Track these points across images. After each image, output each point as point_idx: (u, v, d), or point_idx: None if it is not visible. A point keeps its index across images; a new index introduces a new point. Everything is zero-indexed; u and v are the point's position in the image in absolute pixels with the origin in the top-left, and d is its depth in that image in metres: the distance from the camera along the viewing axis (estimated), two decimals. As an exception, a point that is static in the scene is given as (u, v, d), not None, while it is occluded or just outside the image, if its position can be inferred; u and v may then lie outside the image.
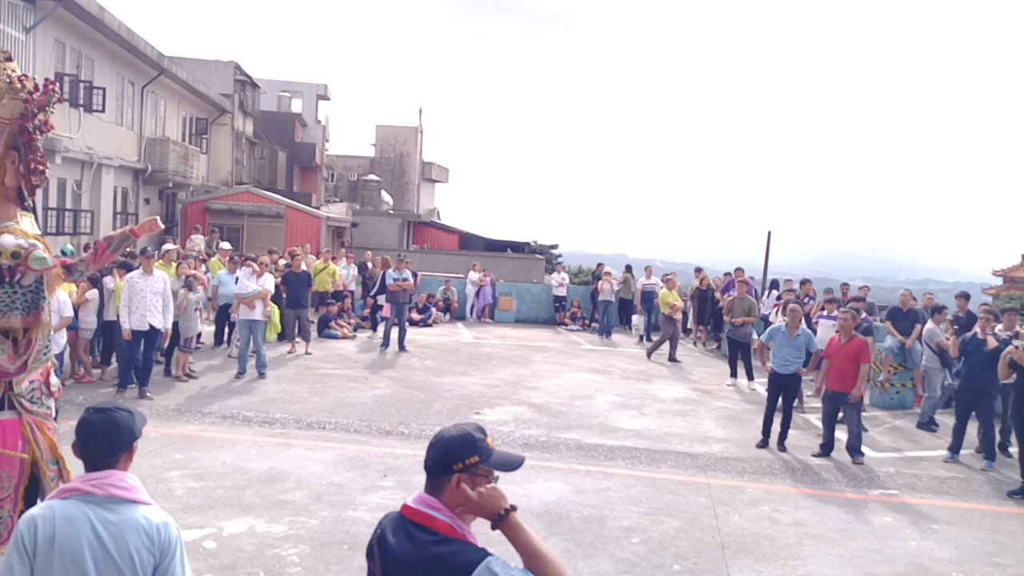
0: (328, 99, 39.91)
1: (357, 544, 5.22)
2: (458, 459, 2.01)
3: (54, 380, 4.41)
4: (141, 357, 9.25)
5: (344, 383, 10.78)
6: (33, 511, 2.32)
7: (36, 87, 4.30)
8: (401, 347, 13.79)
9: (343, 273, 16.97)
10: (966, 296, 11.78)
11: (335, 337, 14.84)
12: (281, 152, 33.62)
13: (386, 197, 38.65)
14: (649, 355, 14.86)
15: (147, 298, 9.03)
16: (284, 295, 12.65)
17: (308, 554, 5.12)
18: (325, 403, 9.48)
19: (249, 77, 30.01)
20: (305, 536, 5.40)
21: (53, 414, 4.45)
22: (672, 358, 14.52)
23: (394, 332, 13.91)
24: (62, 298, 8.35)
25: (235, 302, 11.48)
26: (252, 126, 31.07)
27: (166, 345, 10.67)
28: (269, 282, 11.31)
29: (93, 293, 9.69)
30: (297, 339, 13.03)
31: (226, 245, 15.30)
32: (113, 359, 10.44)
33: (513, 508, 2.00)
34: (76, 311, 9.14)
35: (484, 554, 1.90)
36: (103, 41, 18.03)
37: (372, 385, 10.76)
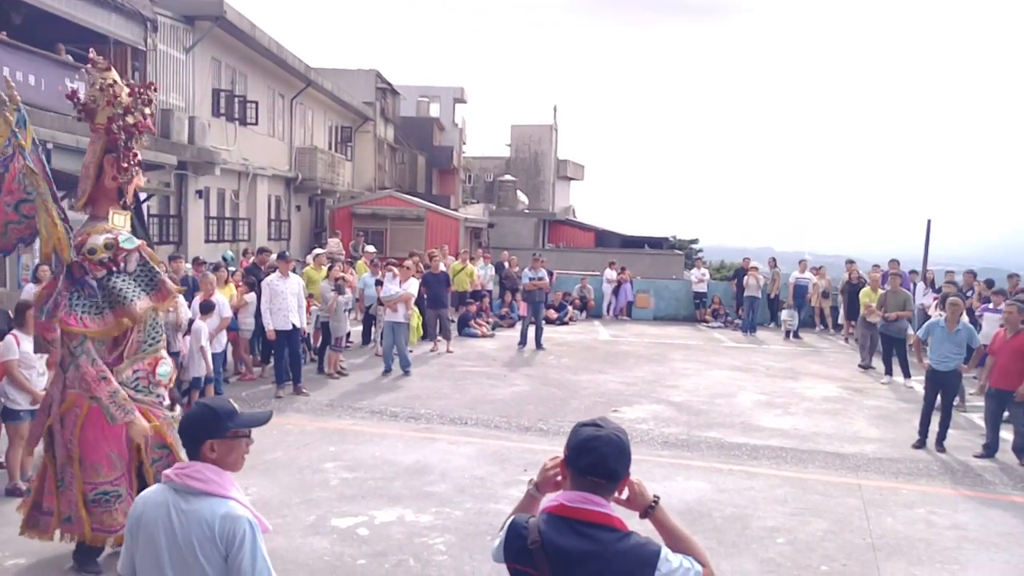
0: (464, 102, 40.94)
1: (500, 536, 5.40)
2: (631, 460, 2.14)
3: (162, 370, 4.70)
4: (288, 355, 9.75)
5: (484, 380, 11.11)
6: (144, 492, 2.49)
7: (130, 92, 4.62)
8: (538, 345, 14.00)
9: (480, 273, 17.43)
10: None
11: (475, 335, 15.29)
12: (420, 156, 34.87)
13: (521, 197, 39.25)
14: (865, 367, 13.06)
15: (287, 299, 9.57)
16: (425, 296, 13.17)
17: (453, 543, 5.36)
18: (466, 399, 9.82)
19: (389, 84, 31.28)
20: (450, 526, 5.65)
21: (165, 402, 4.80)
22: (863, 364, 13.00)
23: (531, 330, 14.16)
24: (221, 300, 9.16)
25: (378, 303, 12.03)
26: (393, 132, 32.42)
27: (319, 344, 11.41)
28: (413, 286, 11.71)
29: (251, 296, 10.45)
30: (439, 338, 13.54)
31: (371, 248, 16.13)
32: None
33: (657, 498, 2.20)
34: (236, 313, 9.94)
35: (656, 543, 2.07)
36: (255, 57, 19.42)
37: (511, 382, 11.03)
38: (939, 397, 8.34)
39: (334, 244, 18.77)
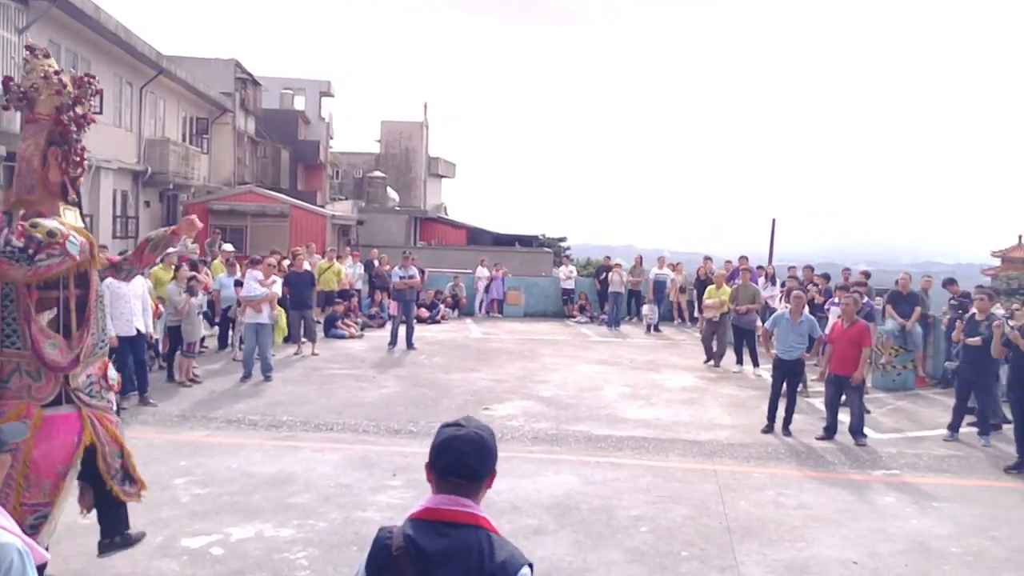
0: (331, 96, 39.86)
1: (367, 545, 5.22)
2: (496, 457, 2.10)
3: (112, 374, 4.52)
4: (132, 363, 9.09)
5: (352, 383, 10.82)
6: None
7: (74, 81, 4.39)
8: (409, 345, 13.82)
9: (349, 272, 16.99)
10: (954, 281, 12.16)
11: (342, 337, 14.88)
12: (284, 150, 33.62)
13: (392, 194, 38.61)
14: (715, 363, 13.23)
15: (130, 302, 8.91)
16: (287, 296, 12.67)
17: (317, 556, 5.15)
18: (332, 404, 9.52)
19: (250, 75, 29.96)
20: (314, 539, 5.43)
21: (113, 407, 4.58)
22: (710, 359, 13.25)
23: (401, 330, 13.94)
24: None
25: (237, 305, 11.47)
26: (254, 125, 31.07)
27: (166, 350, 10.70)
28: (277, 285, 11.30)
29: None
30: (303, 340, 13.08)
31: (228, 247, 15.33)
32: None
33: None
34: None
35: (523, 556, 2.03)
36: (99, 41, 17.99)
37: (380, 384, 10.80)
38: (785, 384, 8.91)
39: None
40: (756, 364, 12.44)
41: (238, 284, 11.93)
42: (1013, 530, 6.11)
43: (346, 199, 37.12)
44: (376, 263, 18.41)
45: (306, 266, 13.71)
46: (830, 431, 8.59)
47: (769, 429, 8.78)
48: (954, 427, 8.77)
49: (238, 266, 13.08)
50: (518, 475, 6.82)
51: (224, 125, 27.65)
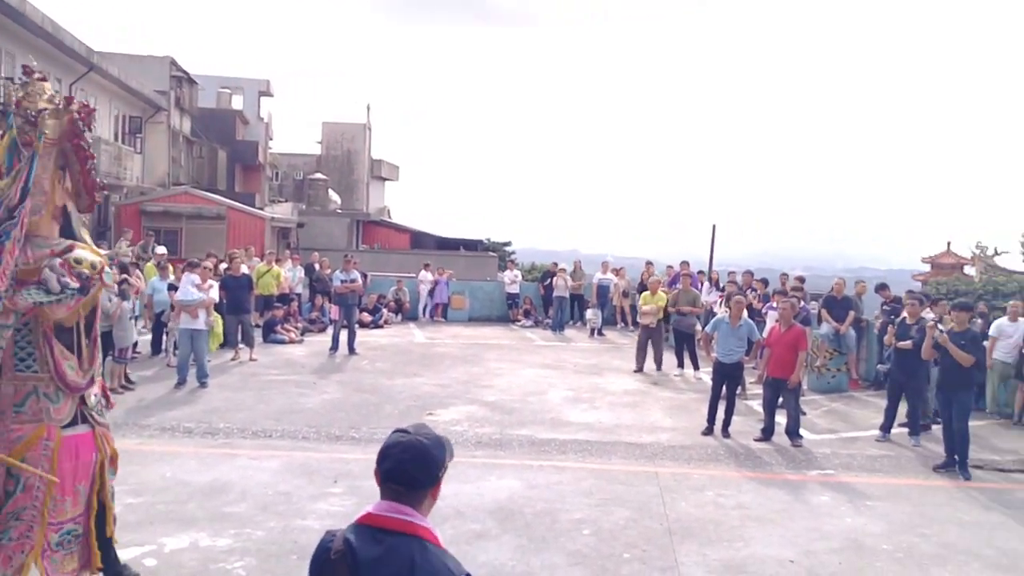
0: (271, 95, 39.13)
1: (306, 554, 5.08)
2: (441, 466, 2.09)
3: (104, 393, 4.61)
4: None
5: (291, 389, 10.59)
6: None
7: (79, 108, 4.36)
8: (351, 350, 13.61)
9: (288, 276, 16.64)
10: (886, 286, 12.64)
11: (282, 342, 14.56)
12: (221, 151, 32.85)
13: (334, 196, 38.09)
14: (657, 367, 12.99)
15: None
16: (224, 300, 12.34)
17: (254, 567, 5.03)
18: (271, 410, 9.30)
19: (186, 73, 29.24)
20: (251, 548, 5.29)
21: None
22: (641, 369, 12.95)
23: (343, 335, 13.73)
24: None
25: (171, 309, 11.12)
26: (190, 124, 30.31)
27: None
28: (214, 291, 11.03)
29: None
30: (240, 345, 12.75)
31: (161, 249, 14.86)
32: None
33: None
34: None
35: (462, 568, 2.03)
36: (25, 35, 17.34)
37: (321, 390, 10.61)
38: (724, 387, 9.07)
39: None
40: (696, 367, 12.65)
41: (172, 288, 11.56)
42: (941, 527, 6.33)
43: (286, 201, 36.47)
44: (317, 267, 18.08)
45: (244, 269, 13.38)
46: (767, 432, 8.80)
47: (709, 431, 8.94)
48: (886, 428, 9.08)
49: (171, 269, 12.67)
50: (461, 480, 6.77)
51: (158, 124, 26.94)
